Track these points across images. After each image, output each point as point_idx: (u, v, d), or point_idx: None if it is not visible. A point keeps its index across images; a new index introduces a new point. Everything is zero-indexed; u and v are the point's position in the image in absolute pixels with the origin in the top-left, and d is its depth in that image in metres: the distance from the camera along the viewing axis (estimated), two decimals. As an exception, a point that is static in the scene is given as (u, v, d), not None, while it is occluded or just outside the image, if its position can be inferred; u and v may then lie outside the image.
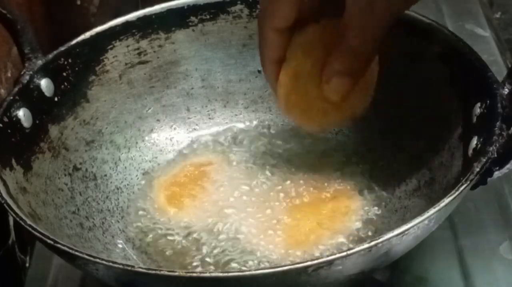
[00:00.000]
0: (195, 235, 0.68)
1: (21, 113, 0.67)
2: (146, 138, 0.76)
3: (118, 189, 0.72)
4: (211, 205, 0.70)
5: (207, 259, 0.66)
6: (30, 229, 0.57)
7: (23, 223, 0.58)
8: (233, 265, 0.65)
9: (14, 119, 0.67)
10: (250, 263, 0.65)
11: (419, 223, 0.54)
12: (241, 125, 0.78)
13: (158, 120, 0.77)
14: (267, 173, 0.73)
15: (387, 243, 0.53)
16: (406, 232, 0.54)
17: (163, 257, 0.67)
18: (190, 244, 0.67)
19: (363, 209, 0.68)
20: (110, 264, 0.54)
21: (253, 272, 0.54)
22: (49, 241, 0.56)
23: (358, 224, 0.67)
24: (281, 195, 0.70)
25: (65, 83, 0.72)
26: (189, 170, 0.74)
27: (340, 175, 0.71)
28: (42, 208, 0.64)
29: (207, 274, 0.54)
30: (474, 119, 0.63)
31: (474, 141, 0.61)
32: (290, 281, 0.53)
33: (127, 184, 0.73)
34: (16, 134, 0.67)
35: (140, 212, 0.71)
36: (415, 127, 0.71)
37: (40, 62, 0.70)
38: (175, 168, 0.75)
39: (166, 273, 0.54)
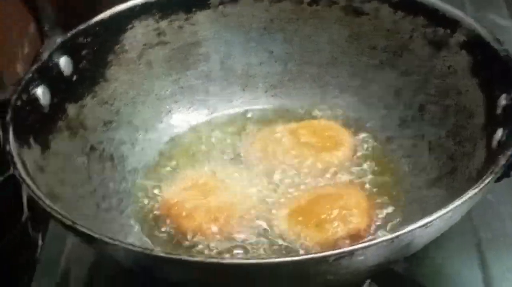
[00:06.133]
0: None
1: (40, 91, 0.66)
2: (164, 119, 0.76)
3: (135, 170, 0.72)
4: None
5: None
6: (49, 209, 0.56)
7: (41, 203, 0.57)
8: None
9: (32, 97, 0.66)
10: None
11: (443, 215, 0.53)
12: (259, 109, 0.77)
13: (176, 102, 0.76)
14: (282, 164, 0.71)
15: (410, 234, 0.53)
16: (430, 224, 0.53)
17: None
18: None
19: (383, 198, 0.67)
20: (130, 247, 0.54)
21: (274, 259, 0.54)
22: (68, 222, 0.55)
23: (381, 213, 0.66)
24: (296, 188, 0.69)
25: (84, 62, 0.71)
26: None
27: (357, 163, 0.71)
28: (59, 187, 0.63)
29: (227, 261, 0.54)
30: (499, 110, 0.62)
31: (499, 133, 0.60)
32: (312, 270, 0.53)
33: (144, 165, 0.72)
34: (34, 113, 0.66)
35: (156, 191, 0.70)
36: (436, 116, 0.70)
37: (59, 40, 0.69)
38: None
39: (185, 258, 0.53)
